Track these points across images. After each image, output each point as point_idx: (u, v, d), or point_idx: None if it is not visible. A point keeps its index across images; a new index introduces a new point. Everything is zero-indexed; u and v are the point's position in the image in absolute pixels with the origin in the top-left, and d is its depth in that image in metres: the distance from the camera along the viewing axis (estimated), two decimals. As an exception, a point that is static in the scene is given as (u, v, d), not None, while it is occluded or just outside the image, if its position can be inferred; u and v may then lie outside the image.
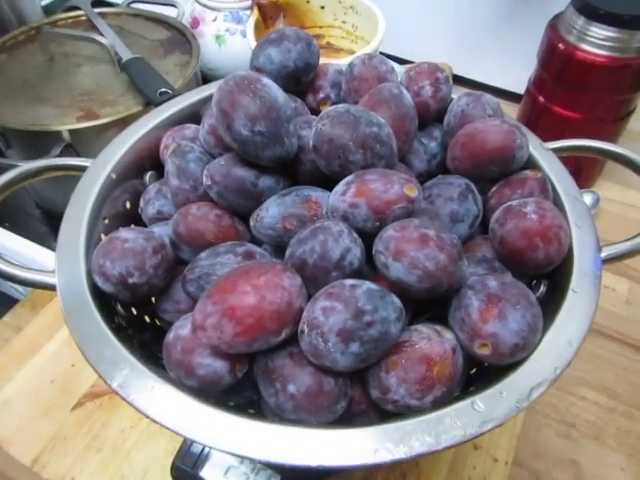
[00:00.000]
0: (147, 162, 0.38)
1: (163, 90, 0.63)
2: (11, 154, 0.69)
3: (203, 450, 0.40)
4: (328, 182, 0.30)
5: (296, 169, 0.31)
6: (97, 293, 0.29)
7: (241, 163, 0.30)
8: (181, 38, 0.80)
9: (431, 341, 0.25)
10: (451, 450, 0.42)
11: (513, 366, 0.25)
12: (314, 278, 0.25)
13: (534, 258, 0.28)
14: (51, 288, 0.29)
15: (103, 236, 0.33)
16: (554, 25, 0.55)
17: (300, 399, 0.24)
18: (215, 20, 0.87)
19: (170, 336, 0.27)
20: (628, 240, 0.32)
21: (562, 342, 0.26)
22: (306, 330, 0.23)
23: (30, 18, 0.86)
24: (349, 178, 0.28)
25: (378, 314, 0.23)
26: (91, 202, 0.33)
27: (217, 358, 0.25)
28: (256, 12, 0.66)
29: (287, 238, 0.28)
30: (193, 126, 0.37)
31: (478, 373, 0.30)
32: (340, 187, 0.27)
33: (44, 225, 0.81)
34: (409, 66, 0.38)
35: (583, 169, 0.63)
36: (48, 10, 0.97)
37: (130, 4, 0.89)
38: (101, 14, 0.83)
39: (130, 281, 0.28)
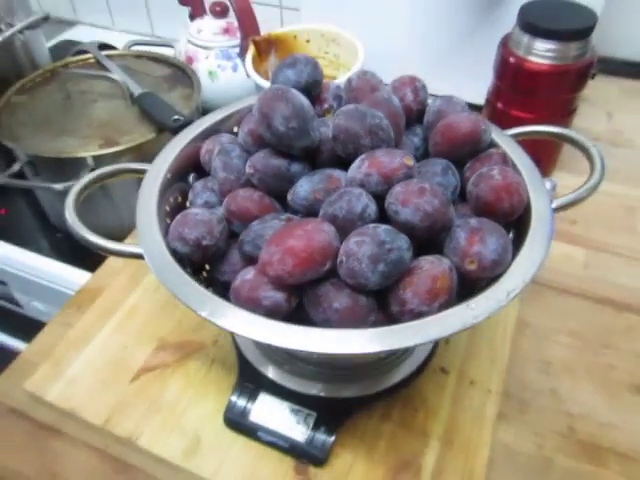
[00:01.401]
0: (190, 166, 0.48)
1: (176, 117, 0.73)
2: (36, 181, 0.77)
3: (247, 403, 0.48)
4: (342, 165, 0.40)
5: (317, 157, 0.41)
6: (175, 257, 0.37)
7: (276, 155, 0.40)
8: (182, 74, 0.90)
9: (434, 264, 0.34)
10: (452, 384, 0.51)
11: (493, 281, 0.35)
12: (343, 228, 0.35)
13: (501, 208, 0.38)
14: (138, 256, 0.38)
15: (168, 220, 0.42)
16: (505, 43, 0.67)
17: (343, 312, 0.33)
18: (207, 58, 0.98)
19: (237, 281, 0.36)
20: (569, 194, 0.42)
21: (527, 262, 0.36)
22: (344, 259, 0.33)
23: (39, 61, 0.96)
24: (362, 156, 0.37)
25: (395, 244, 0.33)
26: (156, 194, 0.42)
27: (277, 291, 0.34)
28: (252, 47, 0.76)
29: (317, 206, 0.38)
30: (227, 135, 0.47)
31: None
32: (356, 163, 0.37)
33: (66, 246, 0.89)
34: (394, 79, 0.49)
35: (541, 161, 0.74)
36: (54, 52, 1.06)
37: (131, 47, 0.99)
38: (108, 56, 0.92)
39: (204, 243, 0.37)
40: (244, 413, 0.48)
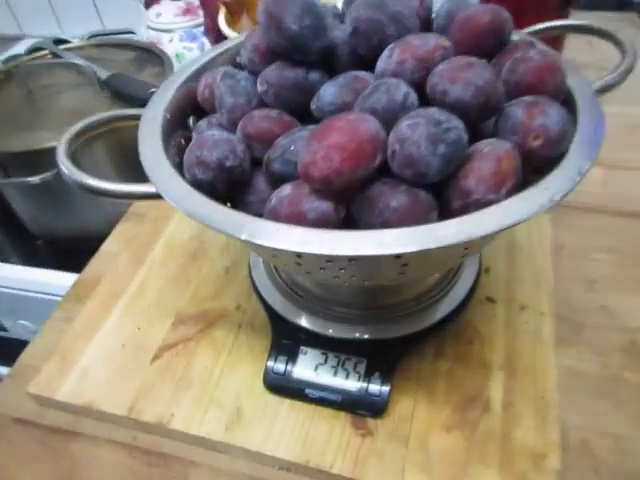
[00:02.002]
0: (188, 109, 0.43)
1: (153, 90, 0.68)
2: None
3: (287, 362, 0.43)
4: (365, 67, 0.36)
5: (335, 64, 0.37)
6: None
7: (290, 65, 0.35)
8: (149, 55, 0.85)
9: (494, 145, 0.30)
10: (502, 312, 0.47)
11: (557, 162, 0.31)
12: (385, 120, 0.30)
13: (546, 90, 0.35)
14: (152, 196, 0.33)
15: (177, 159, 0.37)
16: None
17: (403, 210, 0.29)
18: (171, 41, 0.93)
19: (273, 200, 0.31)
20: (608, 76, 0.39)
21: (588, 141, 0.32)
22: (397, 147, 0.28)
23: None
24: (391, 45, 0.33)
25: (451, 122, 0.29)
26: (159, 132, 0.37)
27: (323, 200, 0.30)
28: (224, 9, 0.72)
29: (346, 110, 0.33)
30: (222, 67, 0.42)
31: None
32: (385, 53, 0.33)
33: (48, 253, 0.83)
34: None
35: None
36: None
37: (89, 38, 0.94)
38: (66, 49, 0.87)
39: (227, 164, 0.32)
40: (286, 373, 0.43)
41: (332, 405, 0.42)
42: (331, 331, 0.43)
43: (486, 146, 0.30)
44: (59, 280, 0.72)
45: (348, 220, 0.31)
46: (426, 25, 0.44)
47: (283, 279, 0.47)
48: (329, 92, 0.34)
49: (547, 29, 0.45)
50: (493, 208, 0.29)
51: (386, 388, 0.41)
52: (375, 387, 0.41)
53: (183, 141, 0.41)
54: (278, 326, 0.45)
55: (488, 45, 0.39)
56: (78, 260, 0.59)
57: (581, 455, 0.39)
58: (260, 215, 0.32)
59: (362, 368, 0.42)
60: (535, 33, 0.45)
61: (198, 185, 0.33)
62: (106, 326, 0.50)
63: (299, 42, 0.34)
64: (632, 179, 0.63)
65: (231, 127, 0.38)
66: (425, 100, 0.32)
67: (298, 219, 0.30)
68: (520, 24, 0.50)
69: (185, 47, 0.94)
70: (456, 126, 0.29)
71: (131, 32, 0.96)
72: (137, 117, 0.40)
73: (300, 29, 0.33)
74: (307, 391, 0.42)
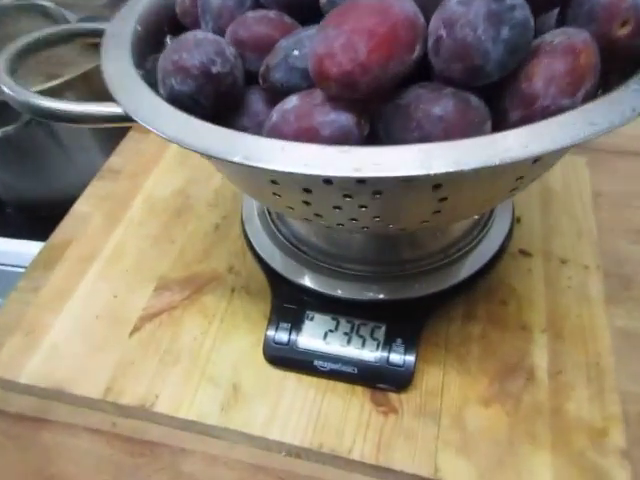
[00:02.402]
0: (164, 24, 0.35)
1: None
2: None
3: (291, 329, 0.36)
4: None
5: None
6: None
7: (290, -48, 0.27)
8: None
9: (567, 34, 0.23)
10: (539, 267, 0.40)
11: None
12: (423, 5, 0.23)
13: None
14: (117, 119, 0.25)
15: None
16: None
17: (450, 118, 0.22)
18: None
19: (274, 117, 0.24)
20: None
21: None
22: (445, 32, 0.21)
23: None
24: None
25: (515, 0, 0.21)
26: (128, 44, 0.29)
27: (340, 112, 0.23)
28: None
29: None
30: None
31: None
32: None
33: (19, 221, 0.75)
34: None
35: None
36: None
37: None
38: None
39: (214, 70, 0.24)
40: (290, 343, 0.36)
41: (347, 379, 0.35)
42: (341, 292, 0.36)
43: (556, 37, 0.23)
44: (29, 250, 0.64)
45: (372, 141, 0.24)
46: None
47: (283, 233, 0.40)
48: (343, -21, 0.26)
49: None
50: (569, 115, 0.21)
51: (411, 357, 0.34)
52: (397, 356, 0.35)
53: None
54: (278, 288, 0.38)
55: None
56: (52, 229, 0.51)
57: (644, 429, 0.33)
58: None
59: (381, 334, 0.35)
60: None
61: (176, 100, 0.25)
62: (77, 295, 0.42)
63: None
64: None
65: (219, 34, 0.30)
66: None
67: (309, 136, 0.23)
68: None
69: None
70: (521, 3, 0.21)
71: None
72: (99, 32, 0.32)
73: None
74: (316, 363, 0.35)
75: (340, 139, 0.23)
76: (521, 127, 0.21)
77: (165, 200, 0.49)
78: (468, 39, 0.21)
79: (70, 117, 0.26)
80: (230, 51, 0.25)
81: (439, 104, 0.22)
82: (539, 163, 0.25)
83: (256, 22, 0.27)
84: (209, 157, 0.22)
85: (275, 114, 0.24)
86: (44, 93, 0.57)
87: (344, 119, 0.22)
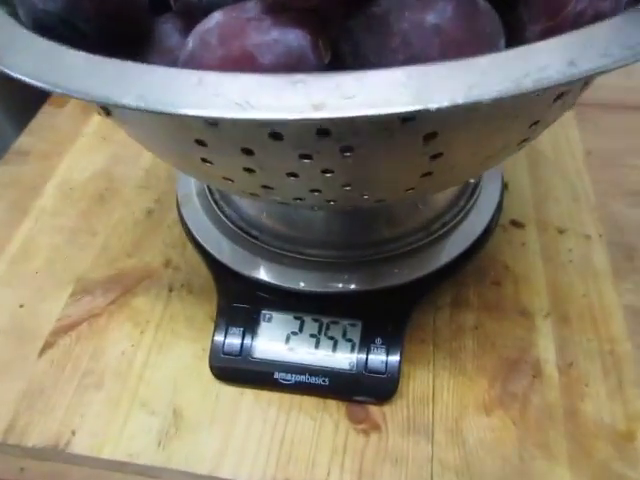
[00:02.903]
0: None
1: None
2: None
3: (244, 335, 0.29)
4: None
5: None
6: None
7: None
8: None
9: None
10: (534, 239, 0.34)
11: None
12: None
13: None
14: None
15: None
16: None
17: (450, 28, 0.14)
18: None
19: (189, 45, 0.16)
20: None
21: None
22: None
23: None
24: None
25: None
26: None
27: (287, 27, 0.15)
28: None
29: None
30: None
31: None
32: None
33: None
34: None
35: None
36: None
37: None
38: None
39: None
40: (243, 351, 0.29)
41: (317, 392, 0.28)
42: (304, 284, 0.29)
43: None
44: None
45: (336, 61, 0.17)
46: None
47: (229, 216, 0.33)
48: None
49: None
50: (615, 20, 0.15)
51: (394, 358, 0.28)
52: (378, 359, 0.28)
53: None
54: (226, 284, 0.31)
55: None
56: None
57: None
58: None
59: (356, 334, 0.29)
60: None
61: (42, 26, 0.17)
62: (-29, 307, 0.34)
63: None
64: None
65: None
66: None
67: (240, 65, 0.15)
68: None
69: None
70: None
71: None
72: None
73: None
74: (277, 375, 0.28)
75: (288, 68, 0.15)
76: (552, 38, 0.14)
77: (84, 185, 0.40)
78: None
79: None
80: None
81: (434, 9, 0.15)
82: (562, 101, 0.18)
83: None
84: (88, 102, 0.14)
85: (191, 40, 0.16)
86: None
87: (293, 38, 0.15)
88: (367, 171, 0.19)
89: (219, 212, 0.33)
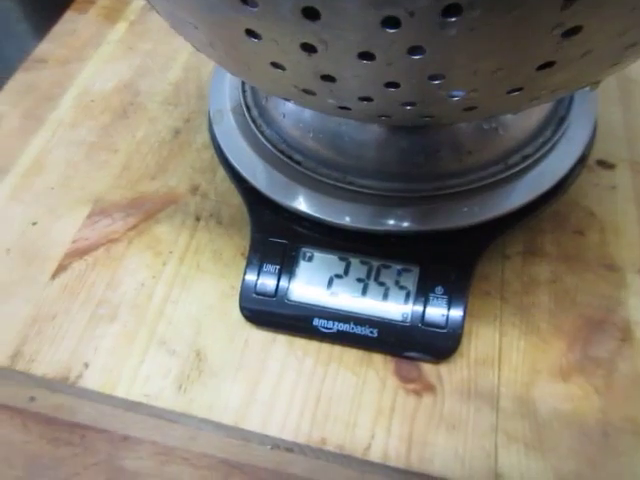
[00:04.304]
0: None
1: None
2: None
3: (279, 274, 0.25)
4: None
5: None
6: None
7: None
8: None
9: None
10: (628, 183, 0.29)
11: None
12: None
13: None
14: None
15: None
16: None
17: None
18: None
19: None
20: None
21: None
22: None
23: None
24: None
25: None
26: None
27: None
28: None
29: None
30: None
31: None
32: None
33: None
34: None
35: None
36: None
37: None
38: None
39: None
40: (279, 292, 0.25)
41: (362, 344, 0.24)
42: (350, 219, 0.25)
43: None
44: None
45: None
46: None
47: (268, 137, 0.28)
48: None
49: None
50: None
51: (457, 313, 0.24)
52: (437, 311, 0.24)
53: None
54: (261, 215, 0.27)
55: None
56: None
57: None
58: None
59: (411, 281, 0.24)
60: None
61: None
62: (-20, 222, 0.30)
63: None
64: None
65: None
66: None
67: None
68: None
69: None
70: None
71: None
72: None
73: None
74: (317, 322, 0.24)
75: None
76: None
77: (106, 96, 0.36)
78: None
79: None
80: None
81: None
82: None
83: None
84: None
85: None
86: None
87: None
88: (473, 51, 0.14)
89: (257, 132, 0.29)
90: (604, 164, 0.30)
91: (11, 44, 0.50)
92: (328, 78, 0.16)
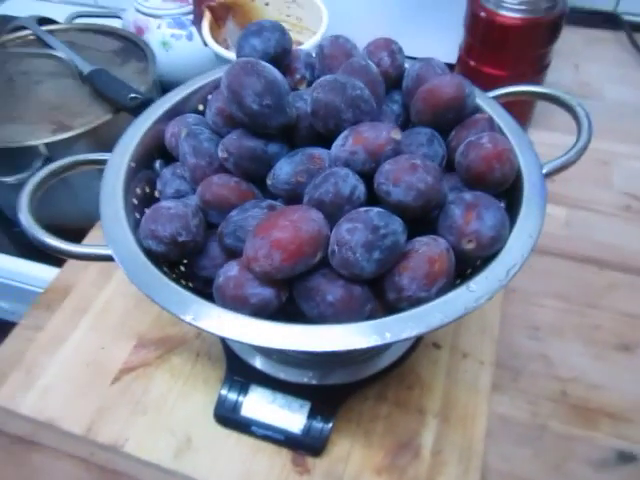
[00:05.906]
0: (155, 152, 0.44)
1: (133, 95, 0.68)
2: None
3: (238, 397, 0.46)
4: (323, 141, 0.37)
5: (295, 135, 0.38)
6: (149, 256, 0.34)
7: (250, 135, 0.36)
8: (133, 47, 0.84)
9: (430, 245, 0.32)
10: (445, 359, 0.50)
11: (491, 258, 0.33)
12: (331, 213, 0.32)
13: (493, 178, 0.36)
14: (107, 259, 0.35)
15: (137, 215, 0.38)
16: (475, -3, 0.64)
17: (338, 305, 0.31)
18: (159, 27, 0.91)
19: (220, 279, 0.33)
20: (559, 158, 0.41)
21: (524, 236, 0.34)
22: (336, 249, 0.30)
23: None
24: (345, 132, 0.34)
25: (389, 228, 0.30)
26: (121, 186, 0.38)
27: (265, 287, 0.32)
28: (208, 14, 0.71)
29: (299, 190, 0.35)
30: (193, 115, 0.43)
31: (466, 273, 0.37)
32: (339, 141, 0.34)
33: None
34: (368, 42, 0.45)
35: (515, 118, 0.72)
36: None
37: (74, 19, 0.92)
38: (49, 31, 0.85)
39: (180, 240, 0.33)
40: (235, 408, 0.46)
41: (275, 442, 0.45)
42: (281, 374, 0.46)
43: (423, 245, 0.32)
44: (34, 272, 0.73)
45: (292, 301, 0.33)
46: (395, 83, 0.45)
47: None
48: (284, 170, 0.35)
49: (512, 93, 0.46)
50: (418, 311, 0.31)
51: (327, 429, 0.44)
52: (317, 428, 0.44)
53: (147, 187, 0.42)
54: (232, 362, 0.48)
55: (448, 117, 0.41)
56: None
57: (497, 504, 0.43)
58: (211, 280, 0.34)
59: (306, 410, 0.45)
60: (500, 96, 0.46)
61: (152, 253, 0.34)
62: (70, 342, 0.52)
63: (259, 121, 0.35)
64: (593, 222, 0.64)
65: (193, 184, 0.39)
66: (373, 191, 0.33)
67: (241, 302, 0.32)
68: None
69: (173, 35, 0.93)
70: (394, 231, 0.30)
71: (117, 16, 0.94)
72: (101, 162, 0.41)
73: (260, 108, 0.34)
74: (253, 428, 0.45)
75: (264, 306, 0.32)
76: (384, 317, 0.30)
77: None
78: (350, 259, 0.30)
79: (71, 254, 0.35)
80: (194, 223, 0.34)
81: (331, 292, 0.31)
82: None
83: (218, 187, 0.36)
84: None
85: (222, 276, 0.33)
86: (55, 144, 0.66)
87: (267, 293, 0.32)
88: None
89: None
90: (436, 345, 0.51)
91: (87, 194, 0.74)
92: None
